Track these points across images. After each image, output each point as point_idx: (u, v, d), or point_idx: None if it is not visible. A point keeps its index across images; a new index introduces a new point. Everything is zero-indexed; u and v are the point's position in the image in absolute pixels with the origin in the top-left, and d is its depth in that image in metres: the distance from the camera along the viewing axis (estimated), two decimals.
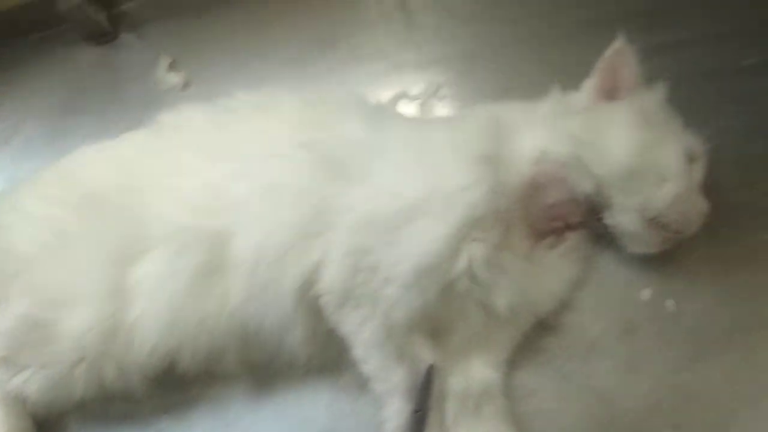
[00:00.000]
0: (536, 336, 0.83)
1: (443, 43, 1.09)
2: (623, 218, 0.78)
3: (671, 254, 0.82)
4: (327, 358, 0.85)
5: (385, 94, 1.07)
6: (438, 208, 0.76)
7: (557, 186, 0.82)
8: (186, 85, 1.18)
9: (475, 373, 0.81)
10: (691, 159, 0.78)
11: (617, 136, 0.76)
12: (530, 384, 0.83)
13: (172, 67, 1.20)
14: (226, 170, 0.86)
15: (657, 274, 0.83)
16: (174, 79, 1.19)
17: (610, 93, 0.81)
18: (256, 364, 0.87)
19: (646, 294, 0.83)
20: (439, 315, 0.79)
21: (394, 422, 0.78)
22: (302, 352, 0.84)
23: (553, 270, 0.84)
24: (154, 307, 0.82)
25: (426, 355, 0.80)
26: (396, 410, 0.78)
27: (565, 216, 0.84)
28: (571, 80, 0.87)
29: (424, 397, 0.77)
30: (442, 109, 1.04)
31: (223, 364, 0.86)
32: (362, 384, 0.81)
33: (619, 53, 0.81)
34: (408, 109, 1.06)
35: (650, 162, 0.75)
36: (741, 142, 0.87)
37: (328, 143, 0.85)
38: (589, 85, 0.83)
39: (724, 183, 0.83)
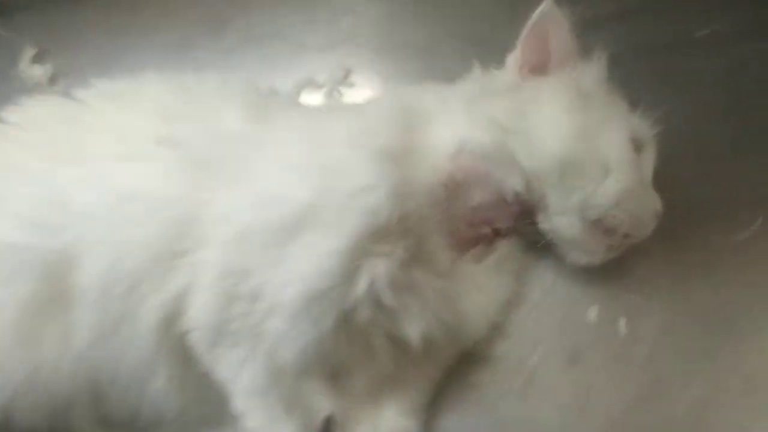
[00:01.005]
0: (463, 370, 0.68)
1: (353, 21, 0.93)
2: (560, 221, 0.63)
3: (621, 264, 0.67)
4: (204, 412, 0.68)
5: (285, 81, 0.90)
6: (330, 217, 0.60)
7: (480, 184, 0.67)
8: (53, 78, 1.00)
9: (386, 423, 0.65)
10: (638, 147, 0.63)
11: (546, 119, 0.62)
12: (458, 429, 0.67)
13: (37, 58, 1.01)
14: (71, 175, 0.68)
15: (605, 289, 0.69)
16: (38, 72, 1.00)
17: (538, 67, 0.66)
18: (115, 423, 0.69)
19: (592, 313, 0.69)
20: (339, 353, 0.63)
21: None
22: (171, 405, 0.67)
23: (480, 288, 0.69)
24: None
25: (322, 404, 0.63)
26: None
27: (492, 220, 0.69)
28: (501, 58, 0.72)
29: None
30: (352, 97, 0.89)
31: (72, 425, 0.68)
32: None
33: (547, 18, 0.66)
34: (313, 98, 0.90)
35: (588, 151, 0.60)
36: (697, 125, 0.73)
37: (198, 139, 0.69)
38: (513, 59, 0.67)
39: (680, 175, 0.69)
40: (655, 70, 0.77)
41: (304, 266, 0.59)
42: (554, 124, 0.61)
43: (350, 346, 0.63)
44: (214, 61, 0.94)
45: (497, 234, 0.69)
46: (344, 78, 0.89)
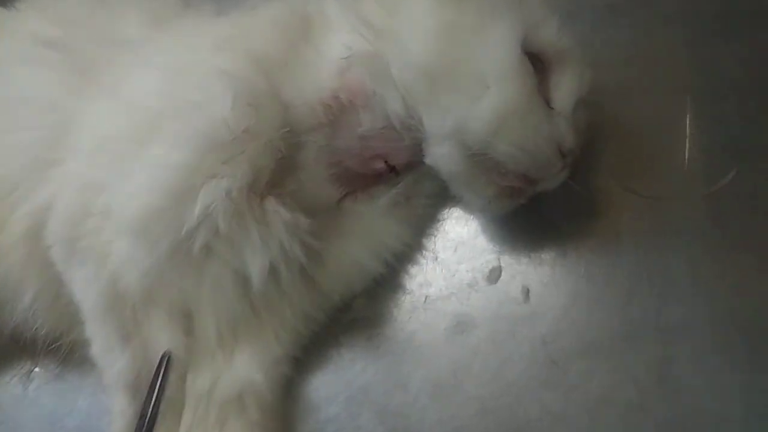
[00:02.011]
0: (334, 328, 0.58)
1: None
2: (438, 153, 0.51)
3: (537, 218, 0.54)
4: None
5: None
6: (176, 127, 0.53)
7: (367, 106, 0.55)
8: None
9: (230, 373, 0.57)
10: (544, 61, 0.49)
11: (412, 15, 0.49)
12: (318, 391, 0.58)
13: None
14: None
15: (512, 249, 0.55)
16: None
17: None
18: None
19: (493, 276, 0.55)
20: (183, 286, 0.56)
21: (116, 426, 0.55)
22: (43, 327, 0.63)
23: (363, 233, 0.58)
24: None
25: (162, 340, 0.56)
26: (119, 411, 0.56)
27: (385, 154, 0.57)
28: None
29: (153, 397, 0.54)
30: None
31: None
32: None
33: None
34: None
35: (461, 58, 0.47)
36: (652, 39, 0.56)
37: (87, 43, 0.64)
38: None
39: (620, 110, 0.53)
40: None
41: (145, 181, 0.53)
42: (419, 21, 0.48)
43: (195, 279, 0.55)
44: None
45: (393, 170, 0.58)
46: None
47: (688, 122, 0.54)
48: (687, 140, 0.53)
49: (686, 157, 0.53)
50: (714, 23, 0.57)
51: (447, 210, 0.60)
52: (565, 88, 0.50)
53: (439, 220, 0.59)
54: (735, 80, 0.55)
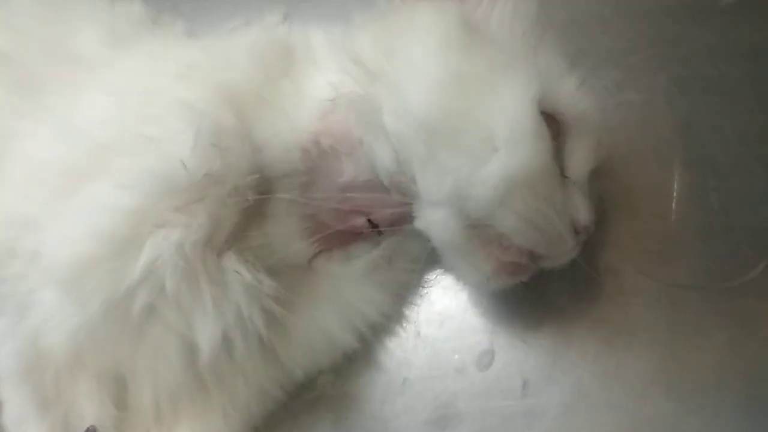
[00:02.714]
0: (293, 407, 0.49)
1: None
2: (432, 217, 0.44)
3: (533, 298, 0.46)
4: None
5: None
6: (123, 164, 0.45)
7: (351, 155, 0.48)
8: None
9: None
10: (561, 124, 0.42)
11: (413, 59, 0.42)
12: None
13: None
14: None
15: (505, 332, 0.47)
16: None
17: None
18: None
19: (483, 360, 0.48)
20: (117, 350, 0.47)
21: None
22: None
23: (336, 300, 0.50)
24: None
25: (89, 410, 0.48)
26: None
27: (367, 209, 0.49)
28: None
29: None
30: None
31: None
32: None
33: None
34: None
35: (466, 113, 0.40)
36: (683, 110, 0.50)
37: (35, 58, 0.56)
38: None
39: (620, 170, 0.46)
40: (645, 35, 0.54)
41: (82, 224, 0.45)
42: (422, 67, 0.41)
43: (132, 343, 0.47)
44: None
45: (374, 229, 0.50)
46: (280, 22, 0.73)
47: (715, 200, 0.47)
48: (713, 221, 0.47)
49: (711, 241, 0.47)
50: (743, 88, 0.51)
51: (433, 277, 0.52)
52: (581, 155, 0.43)
53: (423, 288, 0.52)
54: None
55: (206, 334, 0.44)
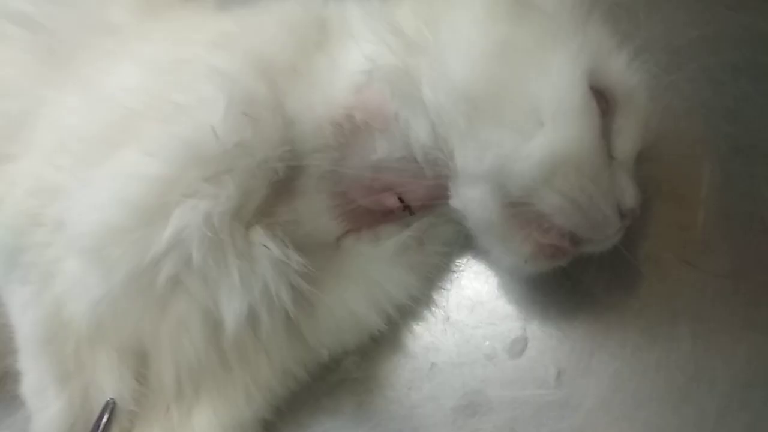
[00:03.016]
0: (316, 390, 0.48)
1: None
2: (469, 196, 0.42)
3: (569, 285, 0.44)
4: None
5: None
6: (153, 131, 0.44)
7: (385, 131, 0.46)
8: None
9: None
10: (608, 100, 0.40)
11: (457, 30, 0.40)
12: None
13: None
14: None
15: (538, 318, 0.46)
16: None
17: None
18: None
19: (516, 348, 0.46)
20: (140, 323, 0.46)
21: None
22: None
23: (364, 280, 0.49)
24: None
25: (108, 383, 0.47)
26: None
27: (399, 187, 0.48)
28: None
29: None
30: None
31: None
32: None
33: None
34: None
35: (511, 86, 0.38)
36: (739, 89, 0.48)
37: (65, 24, 0.56)
38: None
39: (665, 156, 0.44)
40: (693, 19, 0.52)
41: (108, 192, 0.44)
42: (466, 37, 0.39)
43: (156, 315, 0.46)
44: None
45: (406, 209, 0.49)
46: None
47: (763, 189, 0.45)
48: (760, 210, 0.45)
49: (757, 230, 0.44)
50: None
51: (464, 261, 0.50)
52: (629, 135, 0.41)
53: (454, 272, 0.50)
54: None
55: (232, 309, 0.43)
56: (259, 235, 0.44)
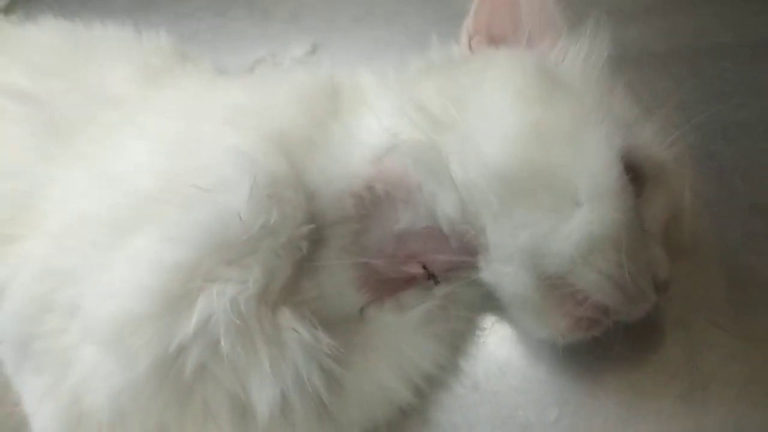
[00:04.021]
0: None
1: None
2: (503, 272, 0.42)
3: (601, 353, 0.44)
4: None
5: (245, 55, 0.73)
6: (172, 215, 0.43)
7: (409, 202, 0.46)
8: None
9: None
10: (640, 176, 0.40)
11: (489, 110, 0.40)
12: None
13: None
14: None
15: (571, 386, 0.45)
16: None
17: (499, 39, 0.45)
18: None
19: (550, 416, 0.45)
20: (163, 412, 0.44)
21: None
22: None
23: (391, 352, 0.48)
24: None
25: None
26: None
27: (423, 256, 0.47)
28: None
29: None
30: None
31: None
32: None
33: None
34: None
35: (547, 167, 0.38)
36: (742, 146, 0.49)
37: (64, 99, 0.54)
38: (466, 25, 0.46)
39: (724, 230, 0.46)
40: (698, 66, 0.52)
41: (127, 278, 0.42)
42: (499, 119, 0.39)
43: (180, 404, 0.44)
44: (173, 25, 0.79)
45: (431, 277, 0.48)
46: (309, 54, 0.71)
47: None
48: None
49: None
50: None
51: (489, 325, 0.50)
52: (659, 207, 0.42)
53: (480, 338, 0.49)
54: None
55: (264, 397, 0.42)
56: (286, 318, 0.43)
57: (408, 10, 0.70)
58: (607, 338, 0.44)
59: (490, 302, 0.47)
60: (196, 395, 0.43)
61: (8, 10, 0.85)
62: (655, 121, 0.41)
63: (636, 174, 0.40)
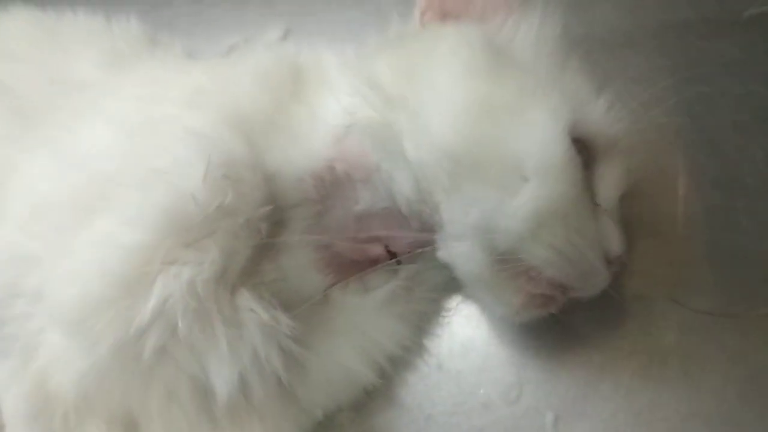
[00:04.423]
0: None
1: None
2: (457, 249, 0.42)
3: (559, 329, 0.44)
4: None
5: (219, 41, 0.72)
6: (130, 198, 0.43)
7: (369, 181, 0.46)
8: None
9: None
10: (591, 151, 0.40)
11: (436, 86, 0.40)
12: None
13: None
14: None
15: (533, 364, 0.46)
16: None
17: (451, 14, 0.44)
18: None
19: (510, 394, 0.46)
20: (127, 394, 0.45)
21: None
22: None
23: (353, 332, 0.48)
24: None
25: None
26: None
27: (385, 237, 0.47)
28: None
29: None
30: None
31: None
32: None
33: None
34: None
35: (494, 142, 0.38)
36: (719, 133, 0.48)
37: (30, 85, 0.54)
38: (418, 1, 0.46)
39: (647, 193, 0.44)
40: (666, 52, 0.52)
41: (87, 262, 0.43)
42: (445, 94, 0.39)
43: (143, 385, 0.45)
44: (150, 13, 0.79)
45: (393, 258, 0.48)
46: (280, 39, 0.71)
47: (745, 223, 0.46)
48: (744, 244, 0.45)
49: (743, 265, 0.45)
50: None
51: (454, 305, 0.50)
52: (613, 182, 0.41)
53: (444, 317, 0.50)
54: None
55: (222, 378, 0.42)
56: (245, 299, 0.43)
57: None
58: (566, 317, 0.44)
59: (455, 282, 0.47)
60: (157, 377, 0.44)
61: None
62: (609, 96, 0.40)
63: (588, 149, 0.40)
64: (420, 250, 0.46)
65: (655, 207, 0.47)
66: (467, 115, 0.38)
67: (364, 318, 0.49)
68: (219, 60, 0.63)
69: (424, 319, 0.50)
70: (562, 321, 0.45)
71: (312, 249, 0.48)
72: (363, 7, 0.68)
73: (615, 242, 0.40)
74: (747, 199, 0.47)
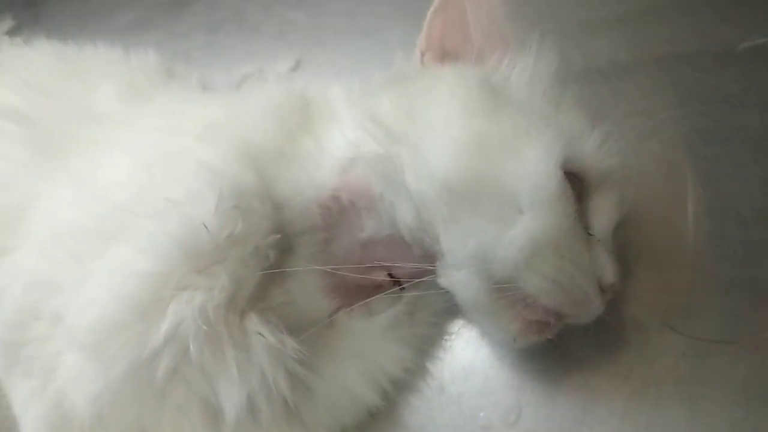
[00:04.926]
0: None
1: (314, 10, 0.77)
2: (456, 277, 0.43)
3: (559, 357, 0.46)
4: None
5: (236, 70, 0.76)
6: (145, 227, 0.45)
7: (373, 211, 0.48)
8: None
9: None
10: (584, 184, 0.42)
11: (434, 123, 0.42)
12: None
13: None
14: None
15: (534, 389, 0.47)
16: None
17: (451, 55, 0.47)
18: None
19: (511, 417, 0.47)
20: (141, 414, 0.47)
21: None
22: None
23: (357, 356, 0.50)
24: None
25: None
26: None
27: (388, 264, 0.49)
28: None
29: None
30: None
31: None
32: None
33: None
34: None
35: (490, 176, 0.40)
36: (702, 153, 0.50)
37: (53, 116, 0.57)
38: (419, 42, 0.48)
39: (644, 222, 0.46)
40: (663, 84, 0.54)
41: (104, 288, 0.45)
42: (443, 131, 0.41)
43: (156, 406, 0.46)
44: (167, 44, 0.82)
45: (396, 284, 0.50)
46: (292, 70, 0.73)
47: (740, 252, 0.47)
48: (739, 272, 0.46)
49: (737, 293, 0.46)
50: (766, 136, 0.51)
51: (456, 329, 0.51)
52: (606, 213, 0.43)
53: (446, 341, 0.51)
54: None
55: (231, 399, 0.44)
56: (253, 323, 0.45)
57: (389, 24, 0.72)
58: (564, 342, 0.45)
59: (456, 307, 0.48)
60: (169, 398, 0.46)
61: (13, 32, 0.89)
62: (603, 130, 0.42)
63: (581, 181, 0.42)
64: (421, 279, 0.48)
65: (651, 235, 0.49)
66: (464, 151, 0.40)
67: (369, 342, 0.50)
68: (232, 93, 0.66)
69: (426, 343, 0.52)
70: (561, 346, 0.46)
71: (318, 275, 0.50)
72: (371, 39, 0.71)
73: (608, 271, 0.42)
74: (742, 228, 0.48)
